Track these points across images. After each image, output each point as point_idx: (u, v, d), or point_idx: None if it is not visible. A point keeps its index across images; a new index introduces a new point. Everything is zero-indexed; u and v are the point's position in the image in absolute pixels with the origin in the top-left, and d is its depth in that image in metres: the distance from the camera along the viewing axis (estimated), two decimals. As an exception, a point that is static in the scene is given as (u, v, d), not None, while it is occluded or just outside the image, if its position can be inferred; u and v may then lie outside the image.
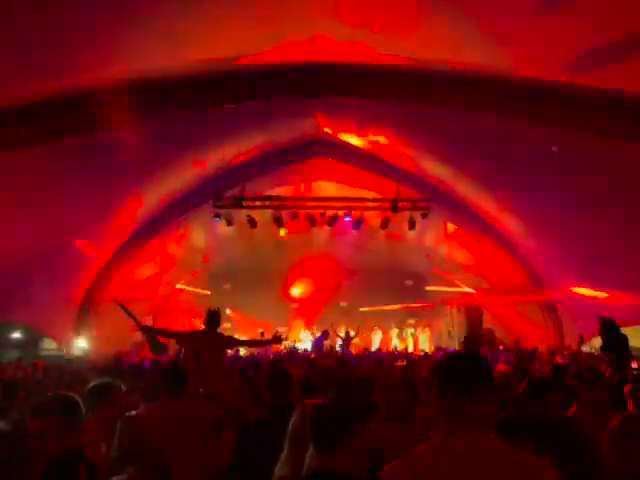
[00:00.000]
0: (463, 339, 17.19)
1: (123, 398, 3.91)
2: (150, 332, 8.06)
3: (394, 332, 22.04)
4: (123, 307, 7.74)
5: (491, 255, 18.30)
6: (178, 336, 7.68)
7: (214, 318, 7.35)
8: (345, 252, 21.18)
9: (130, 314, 7.67)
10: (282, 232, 19.58)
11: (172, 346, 10.70)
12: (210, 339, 7.17)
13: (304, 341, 20.45)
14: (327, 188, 18.41)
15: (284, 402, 3.97)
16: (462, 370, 2.22)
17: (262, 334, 19.64)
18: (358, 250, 20.94)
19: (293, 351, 16.59)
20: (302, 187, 18.33)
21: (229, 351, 8.51)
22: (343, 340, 19.31)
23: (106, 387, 3.91)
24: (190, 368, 5.95)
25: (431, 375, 3.83)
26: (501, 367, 7.69)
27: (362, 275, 21.87)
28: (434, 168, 15.43)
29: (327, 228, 19.24)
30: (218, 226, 18.31)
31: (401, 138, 14.13)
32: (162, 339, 8.22)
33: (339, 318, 21.63)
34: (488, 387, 2.21)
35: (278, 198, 17.74)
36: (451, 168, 14.77)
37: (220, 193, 17.18)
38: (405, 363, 9.60)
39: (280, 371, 4.51)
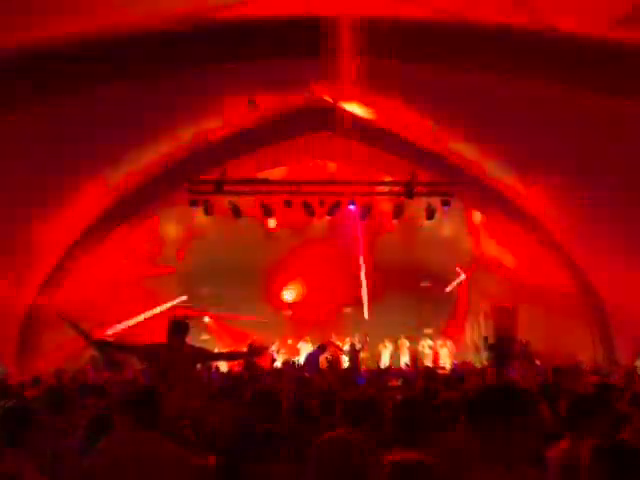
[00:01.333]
0: (487, 348, 17.19)
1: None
2: (104, 348, 8.09)
3: (404, 344, 22.21)
4: (69, 322, 7.75)
5: (526, 251, 18.47)
6: (137, 351, 7.72)
7: (179, 327, 7.45)
8: (349, 247, 21.24)
9: (78, 329, 7.67)
10: (272, 223, 19.64)
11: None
12: (176, 353, 7.28)
13: (303, 354, 20.50)
14: (327, 170, 18.66)
15: (269, 433, 3.97)
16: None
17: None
18: (365, 244, 21.00)
19: (287, 367, 16.57)
20: (296, 168, 18.58)
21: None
22: (350, 354, 19.30)
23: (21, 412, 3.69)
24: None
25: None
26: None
27: (369, 275, 21.88)
28: (458, 145, 15.73)
29: (327, 219, 19.33)
30: (194, 215, 18.46)
31: (418, 108, 14.39)
32: (119, 355, 8.20)
33: (341, 327, 21.86)
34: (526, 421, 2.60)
35: (267, 182, 17.81)
36: (479, 145, 15.05)
37: (196, 176, 17.39)
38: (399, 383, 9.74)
39: (265, 395, 4.50)
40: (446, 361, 20.98)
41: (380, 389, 8.49)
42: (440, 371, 14.04)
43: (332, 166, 18.63)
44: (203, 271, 21.77)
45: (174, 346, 7.35)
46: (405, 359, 21.53)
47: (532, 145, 13.01)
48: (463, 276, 22.02)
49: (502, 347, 17.35)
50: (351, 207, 18.49)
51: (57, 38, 8.77)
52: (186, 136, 15.58)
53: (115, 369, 12.80)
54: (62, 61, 9.34)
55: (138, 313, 19.84)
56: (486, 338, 19.18)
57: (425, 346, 22.09)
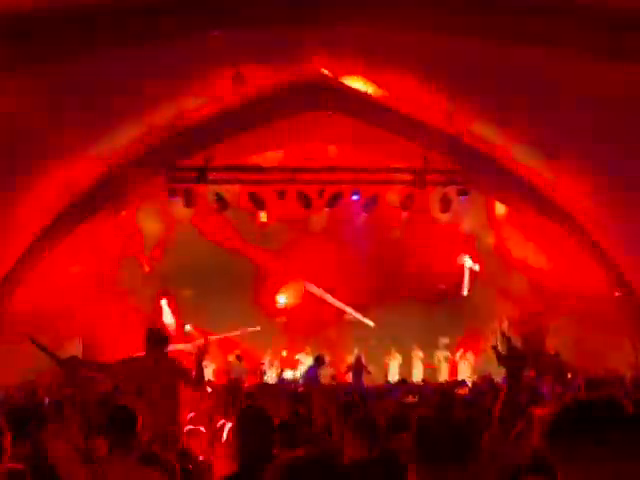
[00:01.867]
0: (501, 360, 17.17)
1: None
2: (74, 369, 8.31)
3: (416, 356, 22.17)
4: (35, 342, 7.80)
5: (557, 250, 18.57)
6: (109, 369, 7.91)
7: (156, 337, 7.63)
8: (351, 244, 21.27)
9: (44, 349, 7.79)
10: (263, 217, 19.59)
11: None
12: (154, 366, 7.42)
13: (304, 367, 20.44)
14: (326, 155, 18.62)
15: (259, 456, 4.07)
16: None
17: (238, 358, 19.57)
18: (370, 241, 21.01)
19: (281, 382, 16.53)
20: (291, 153, 18.64)
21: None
22: (353, 368, 19.25)
23: None
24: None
25: None
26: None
27: (375, 276, 21.88)
28: (477, 126, 15.77)
29: (327, 211, 19.34)
30: (174, 208, 18.53)
31: (430, 82, 14.32)
32: (92, 374, 8.52)
33: (343, 336, 21.91)
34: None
35: (258, 169, 17.90)
36: (502, 127, 15.08)
37: (177, 162, 17.49)
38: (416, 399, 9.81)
39: (254, 413, 4.59)
40: (466, 376, 20.76)
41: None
42: (459, 390, 13.84)
43: (332, 151, 18.72)
44: (183, 272, 21.83)
45: (151, 358, 7.52)
46: (418, 372, 21.48)
47: (565, 128, 13.04)
48: (473, 265, 21.75)
49: (518, 357, 17.23)
50: (354, 198, 18.64)
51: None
52: (164, 116, 15.59)
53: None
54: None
55: (109, 320, 19.67)
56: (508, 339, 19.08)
57: (441, 357, 22.08)
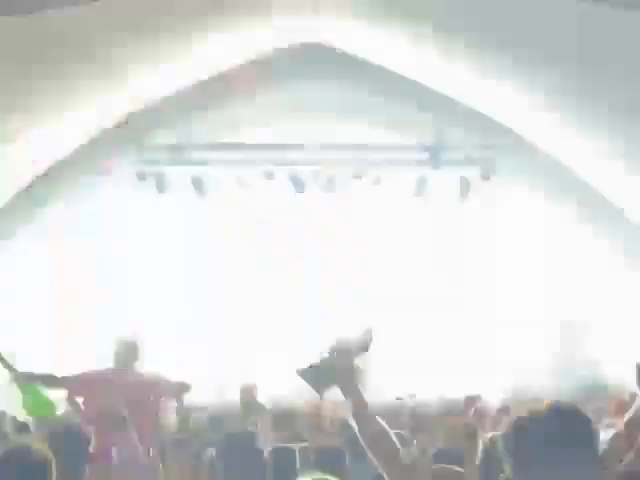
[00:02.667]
0: None
1: None
2: (32, 384, 8.16)
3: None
4: None
5: (604, 248, 18.67)
6: (73, 384, 8.01)
7: (128, 349, 7.90)
8: (351, 239, 21.07)
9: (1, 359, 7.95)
10: (248, 203, 19.49)
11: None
12: (125, 383, 7.66)
13: None
14: (322, 129, 18.44)
15: None
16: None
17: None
18: (374, 234, 20.82)
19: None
20: (281, 128, 18.36)
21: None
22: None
23: None
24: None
25: None
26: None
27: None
28: (504, 93, 15.87)
29: (324, 196, 19.21)
30: (143, 195, 18.48)
31: (446, 41, 14.53)
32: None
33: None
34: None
35: (242, 147, 17.86)
36: (535, 94, 15.10)
37: (145, 139, 17.69)
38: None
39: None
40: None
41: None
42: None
43: (330, 125, 18.47)
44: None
45: (122, 374, 7.79)
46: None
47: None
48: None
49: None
50: (356, 180, 18.52)
51: None
52: (131, 85, 15.60)
53: (46, 413, 13.00)
54: None
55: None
56: None
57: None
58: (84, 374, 8.32)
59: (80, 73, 13.74)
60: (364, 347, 3.30)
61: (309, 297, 21.17)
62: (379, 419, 3.18)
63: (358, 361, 3.22)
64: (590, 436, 2.62)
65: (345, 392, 3.18)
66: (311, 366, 3.44)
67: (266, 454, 5.49)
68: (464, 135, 17.96)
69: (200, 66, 16.24)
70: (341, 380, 3.18)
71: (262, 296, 21.08)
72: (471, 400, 11.22)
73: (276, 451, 5.56)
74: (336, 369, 3.19)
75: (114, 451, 6.57)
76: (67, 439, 4.63)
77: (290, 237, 20.87)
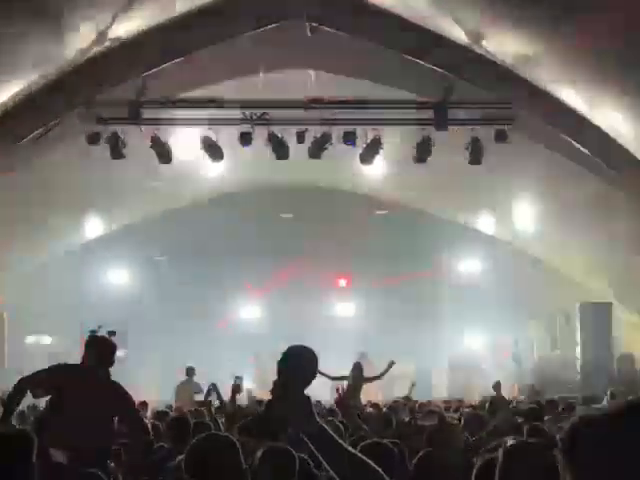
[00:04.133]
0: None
1: None
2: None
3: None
4: None
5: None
6: (33, 379, 8.08)
7: (97, 346, 7.96)
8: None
9: None
10: (220, 171, 19.60)
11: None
12: (91, 383, 7.77)
13: None
14: (309, 84, 18.37)
15: None
16: None
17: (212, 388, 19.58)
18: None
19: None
20: (261, 80, 17.96)
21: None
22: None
23: None
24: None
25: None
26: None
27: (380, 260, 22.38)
28: (521, 41, 15.72)
29: (310, 163, 18.94)
30: (96, 160, 18.22)
31: None
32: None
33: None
34: None
35: (213, 103, 17.52)
36: (558, 41, 15.05)
37: (98, 95, 17.28)
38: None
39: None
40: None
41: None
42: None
43: (317, 78, 18.48)
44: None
45: (91, 372, 7.87)
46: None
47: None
48: None
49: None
50: (348, 143, 17.97)
51: None
52: (81, 26, 15.19)
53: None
54: None
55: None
56: None
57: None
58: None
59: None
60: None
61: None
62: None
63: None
64: None
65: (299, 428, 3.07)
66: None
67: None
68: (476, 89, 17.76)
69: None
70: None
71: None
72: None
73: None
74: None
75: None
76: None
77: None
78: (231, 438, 4.99)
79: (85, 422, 7.48)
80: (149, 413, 13.69)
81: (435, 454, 6.24)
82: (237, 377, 17.56)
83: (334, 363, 20.74)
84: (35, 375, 8.30)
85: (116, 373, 8.00)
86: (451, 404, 16.91)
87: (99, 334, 8.13)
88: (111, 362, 8.09)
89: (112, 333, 8.30)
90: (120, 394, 8.11)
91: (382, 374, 18.02)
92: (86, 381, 7.87)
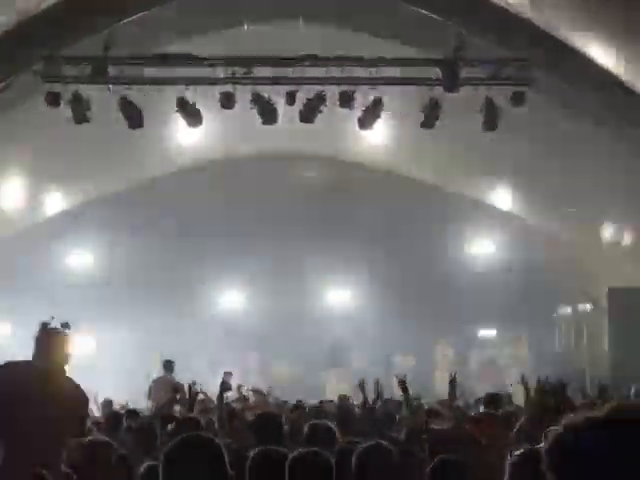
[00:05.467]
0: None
1: None
2: None
3: (443, 353, 23.69)
4: None
5: None
6: None
7: (49, 340, 7.82)
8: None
9: None
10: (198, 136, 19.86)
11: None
12: (44, 385, 7.57)
13: None
14: (300, 38, 18.47)
15: None
16: None
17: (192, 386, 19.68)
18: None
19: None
20: (245, 33, 18.47)
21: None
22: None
23: None
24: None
25: None
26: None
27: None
28: None
29: (303, 128, 18.86)
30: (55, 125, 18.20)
31: None
32: None
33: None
34: None
35: (190, 59, 17.47)
36: None
37: (58, 49, 17.26)
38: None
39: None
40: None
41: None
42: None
43: (309, 31, 18.74)
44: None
45: (43, 373, 7.71)
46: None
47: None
48: None
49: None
50: (346, 107, 17.74)
51: None
52: None
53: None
54: None
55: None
56: None
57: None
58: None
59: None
60: None
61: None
62: None
63: None
64: None
65: None
66: None
67: None
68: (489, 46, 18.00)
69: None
70: None
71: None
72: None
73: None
74: None
75: None
76: None
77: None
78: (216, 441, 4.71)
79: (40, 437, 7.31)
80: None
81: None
82: (226, 373, 16.86)
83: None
84: None
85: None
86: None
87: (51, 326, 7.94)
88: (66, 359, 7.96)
89: (66, 325, 8.02)
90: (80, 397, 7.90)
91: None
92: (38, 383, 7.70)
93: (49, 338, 7.89)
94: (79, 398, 7.85)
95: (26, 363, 7.94)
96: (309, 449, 6.13)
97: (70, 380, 7.87)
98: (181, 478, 4.54)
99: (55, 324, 7.96)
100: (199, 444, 4.80)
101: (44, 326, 7.92)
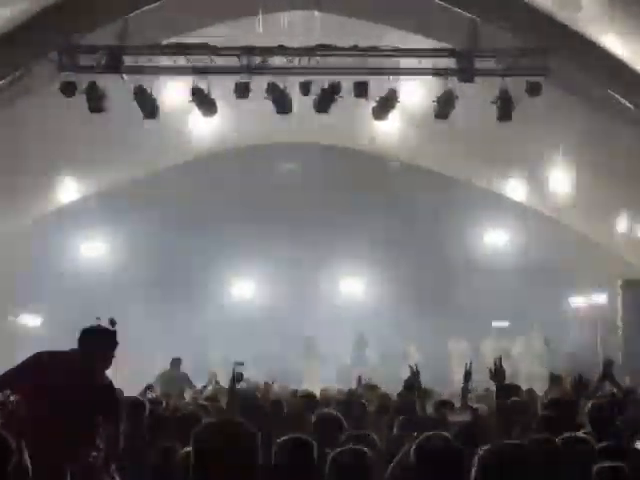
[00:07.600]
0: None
1: None
2: None
3: (458, 347, 24.03)
4: None
5: None
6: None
7: (97, 339, 7.87)
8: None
9: None
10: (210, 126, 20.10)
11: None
12: (74, 381, 7.63)
13: None
14: (314, 27, 18.61)
15: None
16: None
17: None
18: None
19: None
20: (259, 22, 18.39)
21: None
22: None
23: None
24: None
25: None
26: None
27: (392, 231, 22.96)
28: None
29: (317, 118, 19.16)
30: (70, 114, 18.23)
31: None
32: None
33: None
34: None
35: (206, 49, 17.44)
36: None
37: (73, 39, 17.36)
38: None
39: None
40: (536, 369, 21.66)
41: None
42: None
43: (329, 21, 18.62)
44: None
45: (75, 367, 7.76)
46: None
47: None
48: None
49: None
50: (361, 97, 17.96)
51: None
52: None
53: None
54: None
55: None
56: None
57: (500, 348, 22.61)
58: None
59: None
60: None
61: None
62: None
63: None
64: None
65: None
66: None
67: None
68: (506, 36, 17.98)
69: None
70: None
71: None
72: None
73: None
74: None
75: None
76: None
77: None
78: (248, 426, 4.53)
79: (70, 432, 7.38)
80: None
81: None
82: (237, 363, 16.93)
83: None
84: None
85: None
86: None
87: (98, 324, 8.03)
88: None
89: (113, 322, 8.12)
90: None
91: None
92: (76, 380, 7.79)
93: (105, 355, 7.95)
94: (114, 400, 7.91)
95: (71, 359, 8.03)
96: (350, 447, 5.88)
97: (110, 382, 7.96)
98: (212, 461, 4.51)
99: (102, 322, 8.02)
100: (231, 429, 4.78)
101: (97, 332, 7.95)
